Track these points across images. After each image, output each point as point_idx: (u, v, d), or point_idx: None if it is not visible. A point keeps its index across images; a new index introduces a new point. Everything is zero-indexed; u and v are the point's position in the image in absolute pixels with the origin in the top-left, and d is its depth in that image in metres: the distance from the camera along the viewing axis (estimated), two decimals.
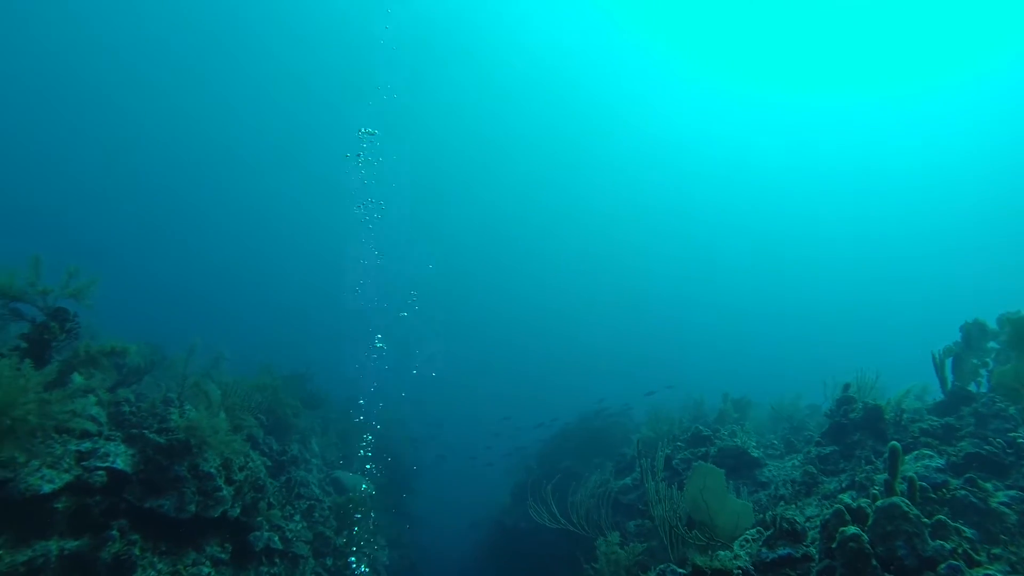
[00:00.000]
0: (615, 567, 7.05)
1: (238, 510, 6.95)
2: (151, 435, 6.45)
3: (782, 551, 4.32)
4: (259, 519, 7.33)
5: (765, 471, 7.76)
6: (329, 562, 8.72)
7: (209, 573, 6.16)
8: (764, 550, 4.44)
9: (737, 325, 60.42)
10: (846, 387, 6.99)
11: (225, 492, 6.69)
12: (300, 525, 8.42)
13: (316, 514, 9.04)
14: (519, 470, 17.60)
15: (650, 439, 10.37)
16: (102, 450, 5.99)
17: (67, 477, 5.53)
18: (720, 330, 59.90)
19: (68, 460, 5.66)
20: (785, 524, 4.45)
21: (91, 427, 6.09)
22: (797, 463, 7.12)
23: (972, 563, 3.43)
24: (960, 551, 3.45)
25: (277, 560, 7.46)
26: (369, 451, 14.32)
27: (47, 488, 5.29)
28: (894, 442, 4.03)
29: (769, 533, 4.56)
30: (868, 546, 3.58)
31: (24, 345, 5.54)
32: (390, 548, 14.36)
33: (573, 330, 62.47)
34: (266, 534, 7.33)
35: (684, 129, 49.98)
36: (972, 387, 6.51)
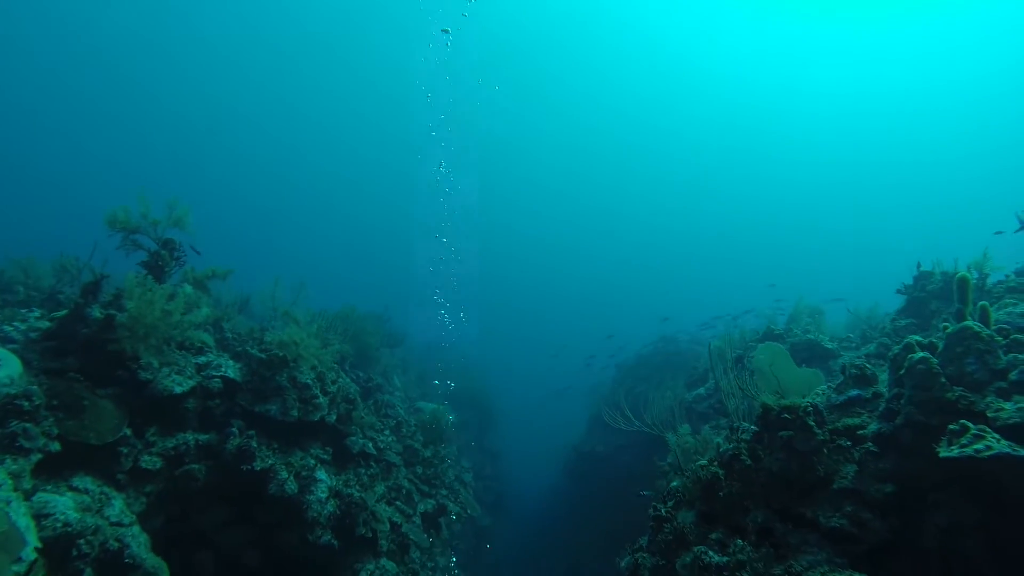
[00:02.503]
0: (687, 455, 7.25)
1: (334, 417, 7.72)
2: (253, 351, 7.26)
3: (851, 393, 4.36)
4: (353, 427, 8.10)
5: (839, 361, 7.60)
6: (419, 470, 9.51)
7: (315, 465, 6.95)
8: (833, 395, 4.50)
9: (812, 242, 57.45)
10: (919, 265, 6.66)
11: (321, 400, 7.45)
12: (390, 438, 9.21)
13: (403, 430, 9.83)
14: (595, 401, 18.01)
15: (723, 348, 10.32)
16: (215, 362, 6.83)
17: (191, 383, 6.38)
18: (795, 251, 57.07)
19: (190, 369, 6.52)
20: (854, 370, 4.46)
21: (208, 339, 6.95)
22: (872, 346, 6.93)
23: None
24: None
25: (373, 463, 8.25)
26: (448, 388, 15.13)
27: (178, 390, 6.15)
28: (962, 272, 3.91)
29: (839, 382, 4.60)
30: (937, 367, 3.57)
31: (144, 272, 6.36)
32: (474, 479, 15.31)
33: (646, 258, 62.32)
34: (360, 440, 8.10)
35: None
36: None
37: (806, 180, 57.44)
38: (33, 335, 5.85)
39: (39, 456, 4.91)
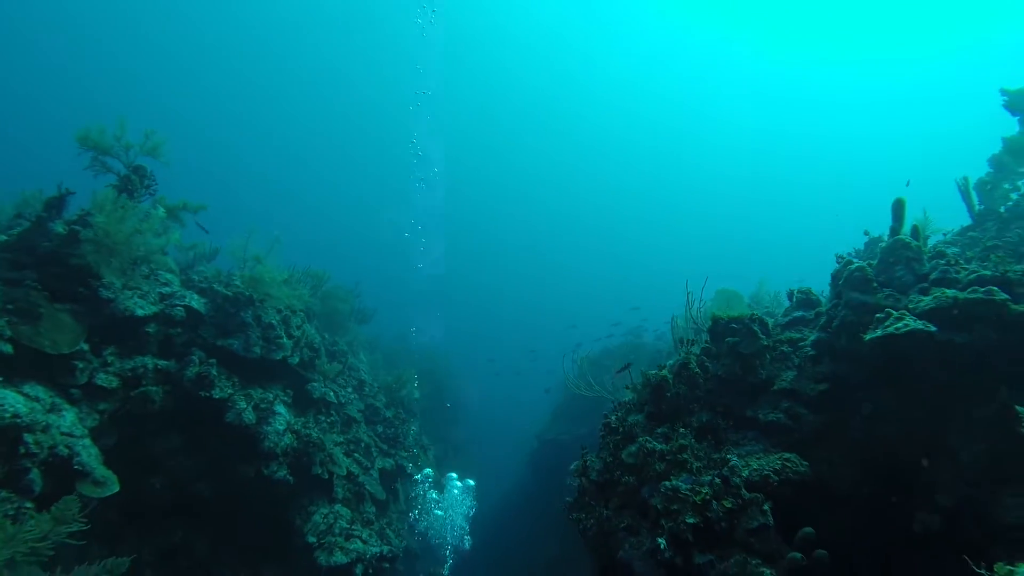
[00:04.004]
0: None
1: (296, 359, 7.70)
2: (219, 287, 7.23)
3: (796, 314, 4.63)
4: (315, 374, 8.08)
5: None
6: (380, 429, 9.49)
7: (274, 399, 6.92)
8: (780, 318, 4.76)
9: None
10: (867, 232, 7.09)
11: (285, 341, 7.43)
12: (352, 395, 9.18)
13: (366, 389, 9.81)
14: (558, 390, 18.12)
15: (685, 327, 10.62)
16: (179, 293, 6.79)
17: (154, 308, 6.33)
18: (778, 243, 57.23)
19: (154, 296, 6.46)
20: (801, 295, 4.75)
21: (173, 278, 6.90)
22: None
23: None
24: (953, 262, 3.69)
25: (333, 413, 8.22)
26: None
27: (140, 312, 6.09)
28: (899, 197, 4.24)
29: (787, 306, 4.87)
30: (872, 274, 3.87)
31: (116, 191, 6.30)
32: (436, 468, 15.22)
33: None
34: (322, 387, 8.07)
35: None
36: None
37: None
38: None
39: None
